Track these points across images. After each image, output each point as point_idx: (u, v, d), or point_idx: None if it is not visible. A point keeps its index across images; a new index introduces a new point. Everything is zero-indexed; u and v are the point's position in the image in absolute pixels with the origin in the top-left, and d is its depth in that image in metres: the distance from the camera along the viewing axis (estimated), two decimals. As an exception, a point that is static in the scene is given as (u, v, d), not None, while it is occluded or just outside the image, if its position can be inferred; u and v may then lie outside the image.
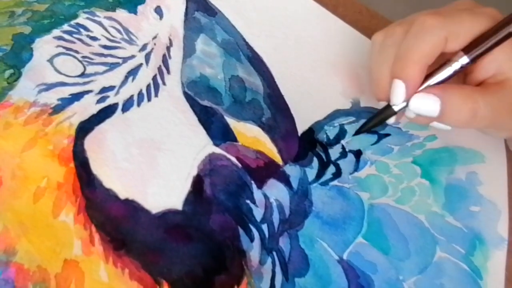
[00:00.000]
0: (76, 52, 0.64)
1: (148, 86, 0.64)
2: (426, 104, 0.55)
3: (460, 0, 0.59)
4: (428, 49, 0.54)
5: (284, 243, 0.58)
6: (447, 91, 0.55)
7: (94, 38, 0.66)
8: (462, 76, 0.59)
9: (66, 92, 0.62)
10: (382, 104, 0.58)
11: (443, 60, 0.56)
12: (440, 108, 0.54)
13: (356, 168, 0.63)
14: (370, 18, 0.74)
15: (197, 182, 0.59)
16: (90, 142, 0.59)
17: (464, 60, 0.55)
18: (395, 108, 0.57)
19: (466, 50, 0.55)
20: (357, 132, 0.61)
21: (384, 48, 0.58)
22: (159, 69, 0.65)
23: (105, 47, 0.65)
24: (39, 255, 0.53)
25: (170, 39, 0.68)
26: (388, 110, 0.58)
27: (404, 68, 0.54)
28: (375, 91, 0.59)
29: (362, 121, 0.63)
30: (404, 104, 0.57)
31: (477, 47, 0.54)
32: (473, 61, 0.55)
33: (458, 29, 0.54)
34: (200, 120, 0.63)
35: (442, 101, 0.54)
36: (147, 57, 0.66)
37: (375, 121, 0.59)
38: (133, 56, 0.66)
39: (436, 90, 0.55)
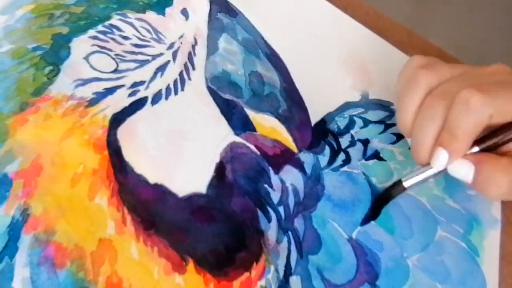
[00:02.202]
0: (110, 50, 0.64)
1: (175, 81, 0.64)
2: (461, 169, 0.53)
3: (496, 65, 0.57)
4: (473, 127, 0.51)
5: (298, 223, 0.57)
6: (482, 159, 0.53)
7: (126, 38, 0.65)
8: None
9: (100, 86, 0.61)
10: (390, 96, 0.58)
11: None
12: (472, 176, 0.53)
13: (364, 155, 0.62)
14: (377, 19, 0.72)
15: (220, 168, 0.59)
16: (122, 132, 0.59)
17: (475, 149, 0.54)
18: (406, 185, 0.56)
19: (478, 142, 0.53)
20: (365, 221, 0.59)
21: (426, 119, 0.54)
22: (185, 65, 0.65)
23: (136, 45, 0.65)
24: (76, 234, 0.53)
25: (195, 38, 0.67)
26: (398, 187, 0.57)
27: (453, 142, 0.52)
28: (416, 156, 0.56)
29: (370, 112, 0.64)
30: (417, 180, 0.56)
31: (488, 141, 0.53)
32: (484, 151, 0.54)
33: (502, 107, 0.51)
34: (222, 112, 0.63)
35: (476, 169, 0.53)
36: (174, 55, 0.65)
37: (386, 200, 0.58)
38: (161, 54, 0.65)
39: (472, 158, 0.53)
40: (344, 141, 0.63)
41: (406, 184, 0.56)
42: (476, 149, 0.53)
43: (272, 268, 0.54)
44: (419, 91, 0.56)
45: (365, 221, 0.59)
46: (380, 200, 0.59)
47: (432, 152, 0.54)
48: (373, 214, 0.59)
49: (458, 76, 0.55)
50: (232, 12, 0.70)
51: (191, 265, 0.53)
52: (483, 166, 0.52)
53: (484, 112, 0.51)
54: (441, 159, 0.53)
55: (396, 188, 0.57)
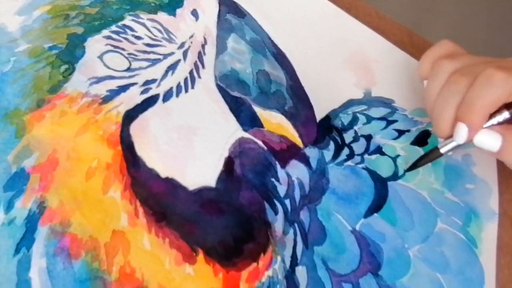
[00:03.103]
0: (123, 49, 0.64)
1: (186, 79, 0.63)
2: (489, 139, 0.53)
3: None
4: (492, 101, 0.51)
5: (304, 216, 0.57)
6: (508, 128, 0.53)
7: (138, 37, 0.65)
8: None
9: (114, 84, 0.61)
10: (392, 94, 0.58)
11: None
12: (500, 144, 0.52)
13: (367, 151, 0.62)
14: (379, 20, 0.72)
15: (228, 163, 0.59)
16: (135, 128, 0.59)
17: (506, 114, 0.53)
18: (442, 151, 0.56)
19: (509, 106, 0.53)
20: (408, 170, 0.60)
21: (449, 94, 0.55)
22: (195, 64, 0.65)
23: (148, 45, 0.65)
24: (91, 226, 0.52)
25: (204, 38, 0.67)
26: (435, 152, 0.57)
27: (470, 114, 0.52)
28: (438, 130, 0.57)
29: (373, 109, 0.65)
30: (451, 147, 0.56)
31: None
32: None
33: None
34: (231, 109, 0.62)
35: (504, 139, 0.52)
36: (185, 54, 0.65)
37: (424, 161, 0.59)
38: (172, 53, 0.65)
39: (499, 129, 0.53)
40: (348, 136, 0.63)
41: (442, 150, 0.56)
42: (506, 114, 0.53)
43: (279, 258, 0.54)
44: (444, 74, 0.56)
45: (409, 169, 0.59)
46: (419, 162, 0.59)
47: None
48: (409, 169, 0.60)
49: (482, 62, 0.55)
50: (240, 13, 0.70)
51: (201, 256, 0.53)
52: (511, 135, 0.52)
53: (505, 88, 0.51)
54: (461, 133, 0.54)
55: (433, 153, 0.57)
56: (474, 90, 0.52)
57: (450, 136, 0.56)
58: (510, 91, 0.51)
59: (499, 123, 0.54)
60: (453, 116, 0.54)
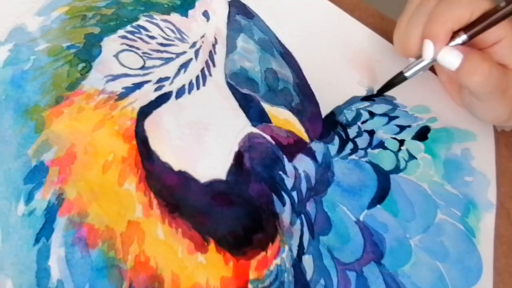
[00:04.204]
0: (138, 48, 0.64)
1: (197, 77, 0.63)
2: (450, 56, 0.54)
3: None
4: (456, 17, 0.53)
5: (310, 207, 0.57)
6: (470, 49, 0.54)
7: (152, 37, 0.65)
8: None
9: (129, 82, 0.61)
10: (393, 91, 0.62)
11: None
12: (460, 61, 0.54)
13: (370, 145, 0.62)
14: (381, 21, 0.72)
15: (238, 157, 0.58)
16: (149, 124, 0.58)
17: (464, 37, 0.55)
18: (407, 75, 0.59)
19: (466, 29, 0.55)
20: (377, 95, 0.64)
21: (417, 14, 0.57)
22: (206, 63, 0.65)
23: (161, 44, 0.65)
24: (107, 217, 0.52)
25: (215, 38, 0.67)
26: (400, 76, 0.60)
27: (434, 29, 0.54)
28: (404, 50, 0.59)
29: (375, 105, 0.64)
30: (415, 70, 0.59)
31: (475, 26, 0.54)
32: (471, 38, 0.55)
33: (483, 6, 0.53)
34: (240, 105, 0.62)
35: (464, 56, 0.54)
36: (196, 53, 0.65)
37: (391, 85, 0.62)
38: (184, 52, 0.65)
39: (461, 48, 0.55)
40: (352, 131, 0.63)
41: (407, 74, 0.60)
42: (464, 36, 0.55)
43: (287, 248, 0.54)
44: (415, 1, 0.60)
45: (378, 94, 0.65)
46: (385, 87, 0.63)
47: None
48: (377, 94, 0.64)
49: None
50: (249, 14, 0.70)
51: (212, 245, 0.53)
52: (471, 54, 0.54)
53: (469, 6, 0.53)
54: (427, 49, 0.56)
55: (398, 77, 0.61)
56: (440, 7, 0.54)
57: (417, 57, 0.59)
58: (473, 10, 0.53)
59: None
60: (420, 35, 0.57)
